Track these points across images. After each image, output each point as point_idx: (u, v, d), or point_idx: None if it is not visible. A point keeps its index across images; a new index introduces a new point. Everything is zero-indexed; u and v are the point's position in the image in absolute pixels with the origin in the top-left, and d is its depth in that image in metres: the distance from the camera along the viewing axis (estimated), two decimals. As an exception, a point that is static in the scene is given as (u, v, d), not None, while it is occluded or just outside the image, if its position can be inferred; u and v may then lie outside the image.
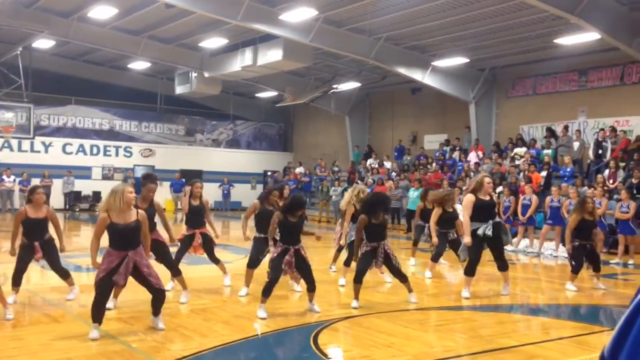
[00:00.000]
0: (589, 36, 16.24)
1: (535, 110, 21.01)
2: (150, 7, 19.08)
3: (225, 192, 28.02)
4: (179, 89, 27.11)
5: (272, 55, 21.15)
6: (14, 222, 7.43)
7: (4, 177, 23.90)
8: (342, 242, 9.61)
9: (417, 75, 21.47)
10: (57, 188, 25.40)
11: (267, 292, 6.95)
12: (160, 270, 6.93)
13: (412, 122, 25.73)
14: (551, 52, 19.31)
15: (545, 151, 18.69)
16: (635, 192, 14.87)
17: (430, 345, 6.05)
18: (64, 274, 7.62)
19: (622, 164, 16.51)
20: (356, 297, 7.62)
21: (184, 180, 24.56)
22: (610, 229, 14.18)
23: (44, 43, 22.79)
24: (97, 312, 5.90)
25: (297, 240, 7.14)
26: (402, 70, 21.38)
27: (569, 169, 17.20)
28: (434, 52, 20.89)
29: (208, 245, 8.57)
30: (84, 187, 26.65)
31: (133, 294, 7.01)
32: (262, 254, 8.17)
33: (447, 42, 19.91)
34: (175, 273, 7.68)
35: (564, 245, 10.13)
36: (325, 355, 5.61)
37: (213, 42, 22.31)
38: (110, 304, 6.68)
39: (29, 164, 25.15)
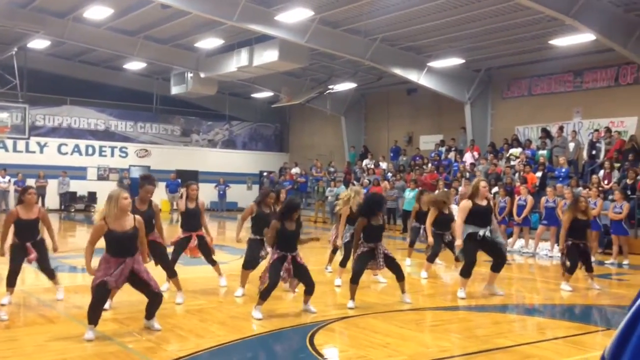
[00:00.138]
0: (584, 37, 16.29)
1: (530, 111, 21.06)
2: (146, 7, 19.05)
3: (221, 192, 27.99)
4: (175, 90, 27.08)
5: (268, 56, 21.15)
6: (4, 223, 7.37)
7: (-1, 177, 23.86)
8: (338, 243, 9.62)
9: (413, 76, 21.50)
10: (53, 188, 25.36)
11: (265, 296, 6.94)
12: (157, 272, 6.92)
13: (408, 122, 25.76)
14: (546, 53, 19.37)
15: (541, 152, 18.75)
16: (630, 192, 14.94)
17: (426, 346, 6.07)
18: (51, 274, 7.60)
19: (617, 165, 16.57)
20: (352, 298, 7.62)
21: (179, 180, 24.53)
22: (605, 230, 14.23)
23: (39, 43, 22.73)
24: (93, 315, 5.89)
25: (294, 248, 7.13)
26: (398, 71, 21.41)
27: (564, 170, 17.25)
28: (429, 53, 20.93)
29: (205, 247, 8.51)
30: (80, 187, 26.58)
31: (128, 295, 6.99)
32: (259, 255, 8.16)
33: (442, 43, 19.94)
34: (171, 274, 7.67)
35: (559, 245, 10.16)
36: (321, 355, 5.62)
37: (209, 43, 22.29)
38: (105, 304, 6.65)
39: (24, 164, 25.08)
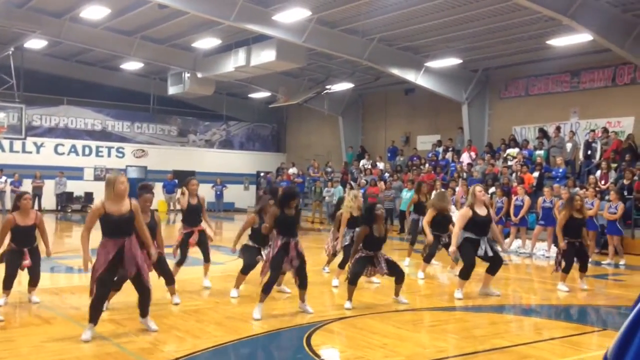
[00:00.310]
0: (581, 37, 16.32)
1: (527, 111, 21.09)
2: (143, 7, 19.03)
3: (218, 192, 27.95)
4: (172, 90, 27.04)
5: (265, 56, 21.14)
6: (1, 230, 7.29)
7: (-4, 177, 23.80)
8: (338, 247, 9.58)
9: (410, 76, 21.51)
10: (49, 189, 25.31)
11: (267, 290, 6.96)
12: (153, 278, 6.89)
13: (405, 122, 25.77)
14: (544, 54, 19.40)
15: (538, 152, 18.78)
16: (626, 193, 14.96)
17: (423, 346, 6.07)
18: (36, 280, 7.52)
19: (613, 165, 16.60)
20: (349, 298, 7.63)
21: (176, 181, 24.46)
22: (601, 229, 14.25)
23: (36, 43, 22.68)
24: (95, 312, 5.87)
25: (296, 233, 7.17)
26: (395, 71, 21.42)
27: (561, 170, 17.28)
28: (427, 53, 20.94)
29: (204, 243, 8.61)
30: (76, 188, 26.53)
31: (125, 296, 6.98)
32: (256, 260, 8.16)
33: (440, 43, 19.96)
34: (169, 282, 7.63)
35: (556, 245, 10.16)
36: (318, 356, 5.61)
37: (206, 43, 22.27)
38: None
39: (21, 164, 25.04)
